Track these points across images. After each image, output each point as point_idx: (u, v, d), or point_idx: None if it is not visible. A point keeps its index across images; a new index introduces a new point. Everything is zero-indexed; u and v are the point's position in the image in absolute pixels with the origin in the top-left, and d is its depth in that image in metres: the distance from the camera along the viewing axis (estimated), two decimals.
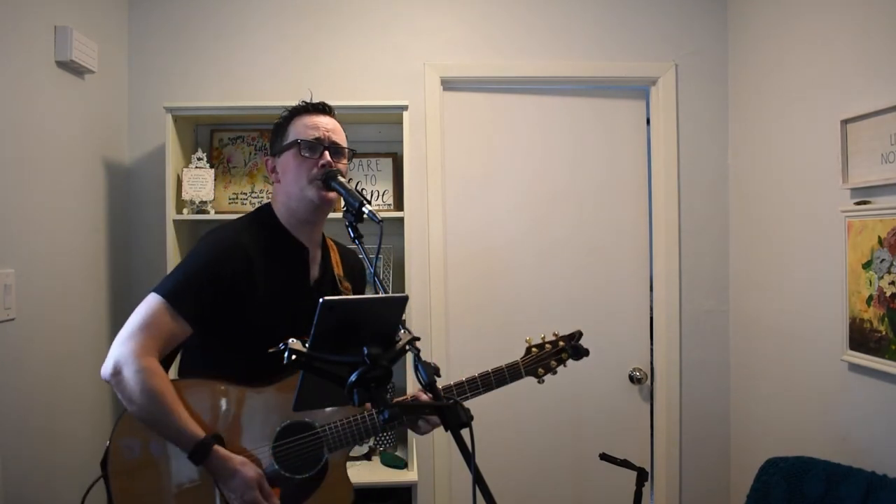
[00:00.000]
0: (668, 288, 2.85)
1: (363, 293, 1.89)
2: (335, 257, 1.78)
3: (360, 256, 1.78)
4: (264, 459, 1.53)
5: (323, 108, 1.68)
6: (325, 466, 1.59)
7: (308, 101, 1.69)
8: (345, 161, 1.66)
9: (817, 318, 2.28)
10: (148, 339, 1.46)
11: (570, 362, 1.79)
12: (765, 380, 2.62)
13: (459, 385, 1.69)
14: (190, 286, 1.52)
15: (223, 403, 1.54)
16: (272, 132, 1.71)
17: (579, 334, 1.80)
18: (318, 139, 1.61)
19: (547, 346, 1.77)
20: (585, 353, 1.78)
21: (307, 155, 1.60)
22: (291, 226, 1.67)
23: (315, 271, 1.71)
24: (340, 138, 1.66)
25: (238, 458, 1.47)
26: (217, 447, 1.45)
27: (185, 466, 1.47)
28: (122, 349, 1.45)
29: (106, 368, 1.45)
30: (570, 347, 1.78)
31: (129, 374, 1.42)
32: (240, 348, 1.56)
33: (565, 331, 1.81)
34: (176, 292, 1.50)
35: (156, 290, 1.51)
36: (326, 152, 1.61)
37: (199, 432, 1.44)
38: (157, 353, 1.47)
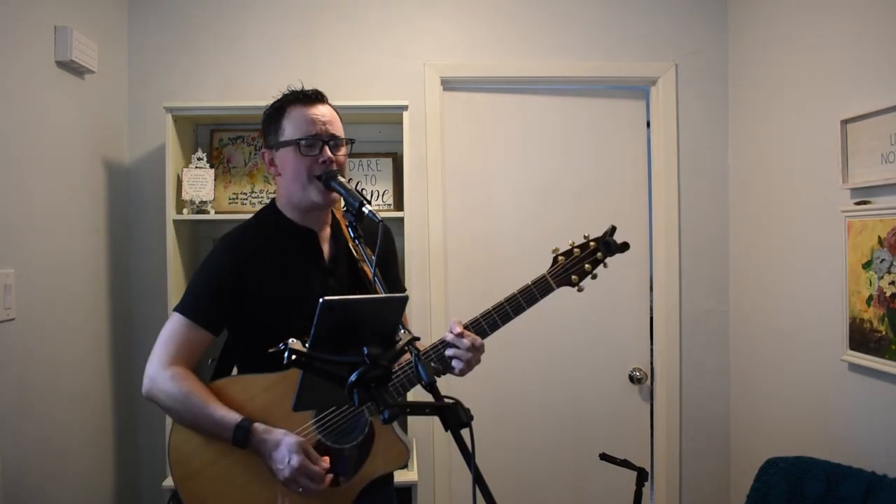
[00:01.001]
0: (668, 288, 2.85)
1: (392, 251, 1.82)
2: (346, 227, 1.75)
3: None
4: (311, 435, 1.54)
5: (317, 97, 1.63)
6: (371, 430, 1.59)
7: (299, 89, 1.64)
8: (344, 151, 1.64)
9: (817, 318, 2.28)
10: (172, 350, 1.56)
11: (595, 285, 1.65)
12: (765, 380, 2.62)
13: (487, 315, 1.60)
14: (200, 297, 1.60)
15: (257, 393, 1.56)
16: (264, 122, 1.66)
17: (612, 229, 1.63)
18: (316, 135, 1.58)
19: (576, 250, 1.63)
20: (621, 247, 1.61)
21: (306, 153, 1.58)
22: (296, 217, 1.67)
23: (327, 248, 1.70)
24: (338, 128, 1.63)
25: (280, 430, 1.49)
26: (256, 424, 1.48)
27: (243, 459, 1.50)
28: (151, 367, 1.56)
29: (144, 387, 1.56)
30: (603, 244, 1.61)
31: (160, 384, 1.53)
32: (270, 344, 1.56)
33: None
34: (189, 305, 1.59)
35: (175, 308, 1.61)
36: (326, 147, 1.58)
37: (236, 417, 1.48)
38: (183, 361, 1.56)
